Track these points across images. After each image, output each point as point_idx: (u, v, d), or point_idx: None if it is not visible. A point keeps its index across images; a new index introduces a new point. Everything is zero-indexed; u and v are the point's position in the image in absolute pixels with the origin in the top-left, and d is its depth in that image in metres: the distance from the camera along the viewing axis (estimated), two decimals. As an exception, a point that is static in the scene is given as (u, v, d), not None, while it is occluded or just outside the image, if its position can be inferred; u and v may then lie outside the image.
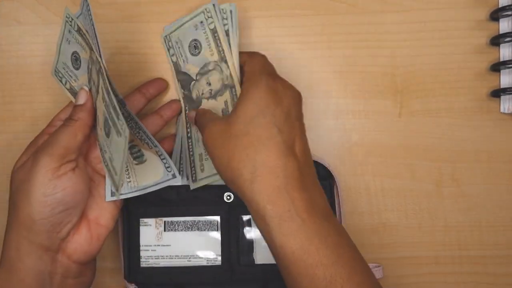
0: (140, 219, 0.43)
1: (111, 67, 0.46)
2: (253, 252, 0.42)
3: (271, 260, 0.42)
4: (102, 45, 0.46)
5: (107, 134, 0.35)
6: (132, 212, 0.43)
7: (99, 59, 0.34)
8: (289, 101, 0.34)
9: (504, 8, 0.44)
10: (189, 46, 0.40)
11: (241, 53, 0.38)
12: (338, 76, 0.46)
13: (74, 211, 0.36)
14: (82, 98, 0.37)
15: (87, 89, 0.38)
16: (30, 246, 0.34)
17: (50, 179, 0.34)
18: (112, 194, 0.38)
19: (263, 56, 0.38)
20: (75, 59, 0.38)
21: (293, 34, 0.46)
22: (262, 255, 0.42)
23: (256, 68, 0.36)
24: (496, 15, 0.45)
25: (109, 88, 0.34)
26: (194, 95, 0.41)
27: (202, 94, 0.40)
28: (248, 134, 0.33)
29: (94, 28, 0.35)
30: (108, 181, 0.38)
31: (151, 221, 0.43)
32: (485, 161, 0.46)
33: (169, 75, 0.46)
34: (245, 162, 0.32)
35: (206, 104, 0.40)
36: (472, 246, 0.46)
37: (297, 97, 0.36)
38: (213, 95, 0.39)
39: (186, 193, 0.43)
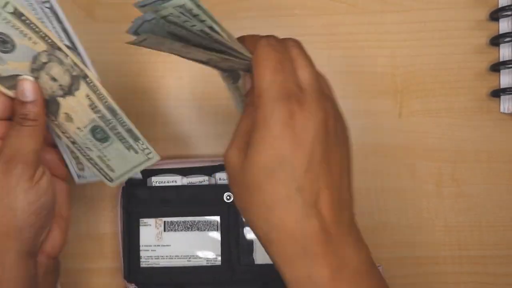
0: (140, 219, 0.43)
1: (112, 68, 0.46)
2: (253, 252, 0.42)
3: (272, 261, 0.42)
4: (100, 45, 0.46)
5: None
6: (132, 212, 0.43)
7: (85, 69, 0.33)
8: (312, 139, 0.27)
9: (504, 8, 0.44)
10: None
11: (244, 38, 0.30)
12: (338, 76, 0.46)
13: (52, 211, 0.35)
14: (31, 93, 0.33)
15: (32, 79, 0.33)
16: (16, 256, 0.33)
17: (31, 187, 0.32)
18: (79, 176, 0.38)
19: (273, 53, 0.28)
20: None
21: (293, 34, 0.46)
22: (262, 255, 0.42)
23: (265, 83, 0.27)
24: (496, 15, 0.45)
25: (114, 107, 0.33)
26: (45, 95, 0.36)
27: (53, 92, 0.34)
28: (260, 190, 0.27)
29: (64, 27, 0.33)
30: (71, 164, 0.37)
31: (151, 221, 0.43)
32: (485, 161, 0.46)
33: (171, 74, 0.46)
34: (260, 222, 0.27)
35: (65, 102, 0.35)
36: (472, 246, 0.46)
37: (322, 126, 0.27)
38: (69, 91, 0.34)
39: (186, 193, 0.43)
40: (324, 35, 0.46)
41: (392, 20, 0.46)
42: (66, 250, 0.46)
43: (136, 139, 0.34)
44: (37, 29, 0.33)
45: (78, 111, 0.35)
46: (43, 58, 0.34)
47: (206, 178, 0.43)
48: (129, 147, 0.35)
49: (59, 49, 0.33)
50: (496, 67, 0.45)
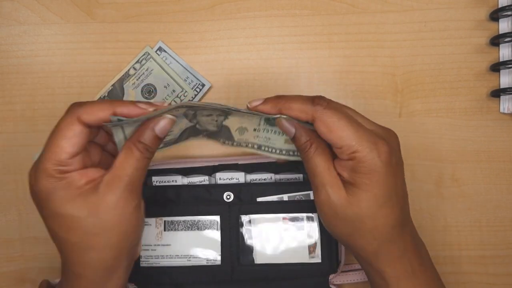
0: (140, 219, 0.43)
1: (112, 68, 0.46)
2: (253, 252, 0.42)
3: (271, 260, 0.42)
4: (100, 45, 0.46)
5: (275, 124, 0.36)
6: (132, 212, 0.43)
7: (218, 107, 0.33)
8: (402, 169, 0.35)
9: (504, 8, 0.44)
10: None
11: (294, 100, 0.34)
12: (338, 76, 0.46)
13: None
14: (165, 130, 0.33)
15: (172, 117, 0.34)
16: (126, 270, 0.34)
17: (140, 214, 0.33)
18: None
19: (340, 110, 0.33)
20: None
21: (293, 34, 0.46)
22: (262, 255, 0.42)
23: (355, 145, 0.32)
24: (496, 15, 0.45)
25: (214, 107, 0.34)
26: (213, 129, 0.37)
27: (217, 121, 0.36)
28: (375, 218, 0.33)
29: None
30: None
31: (151, 220, 0.43)
32: (485, 161, 0.46)
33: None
34: (370, 240, 0.33)
35: (230, 121, 0.36)
36: (472, 246, 0.46)
37: (403, 166, 0.35)
38: (229, 112, 0.35)
39: (186, 193, 0.43)
40: (324, 35, 0.46)
41: (392, 20, 0.46)
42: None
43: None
44: (164, 112, 0.33)
45: (244, 117, 0.36)
46: (191, 112, 0.35)
47: (206, 178, 0.43)
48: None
49: (192, 107, 0.34)
50: (496, 67, 0.45)
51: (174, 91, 0.45)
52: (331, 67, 0.46)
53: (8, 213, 0.46)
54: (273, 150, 0.37)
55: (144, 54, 0.45)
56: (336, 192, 0.33)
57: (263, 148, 0.37)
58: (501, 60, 0.45)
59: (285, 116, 0.34)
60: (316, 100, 0.33)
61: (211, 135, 0.37)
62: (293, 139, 0.35)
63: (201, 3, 0.46)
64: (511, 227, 0.46)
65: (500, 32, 0.45)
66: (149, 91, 0.45)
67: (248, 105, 0.34)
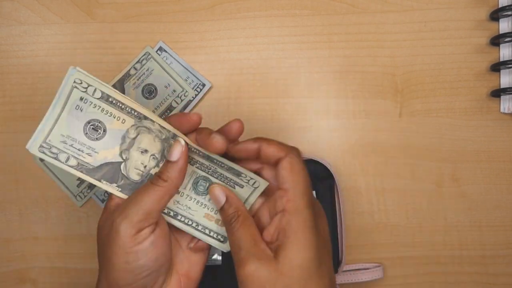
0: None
1: (112, 68, 0.46)
2: (253, 252, 0.42)
3: (271, 260, 0.42)
4: (100, 45, 0.46)
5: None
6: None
7: (172, 128, 0.32)
8: (326, 234, 0.33)
9: (504, 8, 0.44)
10: (85, 134, 0.32)
11: (280, 146, 0.33)
12: (338, 76, 0.46)
13: (159, 273, 0.33)
14: (176, 153, 0.32)
15: (184, 143, 0.33)
16: None
17: (131, 247, 0.31)
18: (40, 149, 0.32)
19: (302, 166, 0.32)
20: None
21: (293, 34, 0.46)
22: (262, 255, 0.42)
23: (299, 194, 0.32)
24: (496, 15, 0.45)
25: (208, 154, 0.33)
26: (135, 177, 0.34)
27: (145, 167, 0.34)
28: (307, 286, 0.30)
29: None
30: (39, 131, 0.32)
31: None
32: (485, 161, 0.46)
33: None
34: None
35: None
36: (472, 246, 0.46)
37: (326, 223, 0.34)
38: (161, 158, 0.34)
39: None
40: (324, 35, 0.46)
41: (392, 20, 0.46)
42: (67, 250, 0.46)
43: (238, 174, 0.33)
44: (123, 106, 0.32)
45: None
46: (132, 134, 0.33)
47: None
48: (234, 185, 0.34)
49: (146, 117, 0.32)
50: (496, 67, 0.45)
51: (174, 91, 0.45)
52: (331, 67, 0.46)
53: (8, 213, 0.46)
54: (190, 222, 0.35)
55: (144, 54, 0.45)
56: (265, 264, 0.30)
57: (179, 217, 0.34)
58: (501, 60, 0.45)
59: (219, 183, 0.34)
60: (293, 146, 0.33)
61: (126, 188, 0.33)
62: (221, 210, 0.34)
63: (201, 3, 0.46)
64: (511, 227, 0.46)
65: (501, 32, 0.45)
66: (150, 91, 0.45)
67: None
